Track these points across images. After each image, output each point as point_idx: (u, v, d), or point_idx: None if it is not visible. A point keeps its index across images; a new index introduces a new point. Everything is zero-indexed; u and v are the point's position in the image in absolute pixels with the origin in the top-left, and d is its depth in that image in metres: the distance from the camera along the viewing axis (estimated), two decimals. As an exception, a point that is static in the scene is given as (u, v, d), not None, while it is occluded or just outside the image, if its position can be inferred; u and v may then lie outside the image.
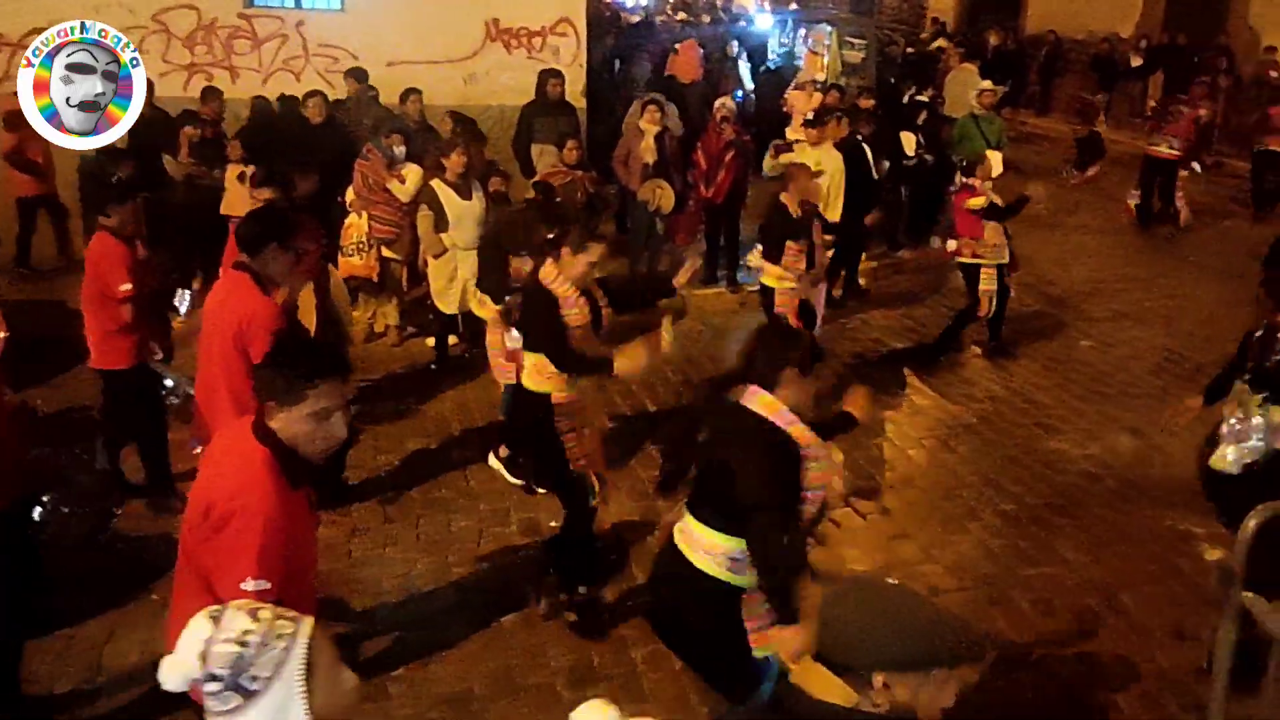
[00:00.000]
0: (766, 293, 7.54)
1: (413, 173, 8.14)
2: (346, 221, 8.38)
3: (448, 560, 5.63)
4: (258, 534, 2.79)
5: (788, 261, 7.27)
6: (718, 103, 10.20)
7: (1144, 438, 7.11)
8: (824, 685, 2.04)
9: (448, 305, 7.83)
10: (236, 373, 4.38)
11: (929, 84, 12.43)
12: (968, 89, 12.01)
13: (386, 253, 8.43)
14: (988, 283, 8.29)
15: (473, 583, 5.44)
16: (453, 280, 7.68)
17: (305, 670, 1.86)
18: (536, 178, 8.98)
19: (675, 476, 4.07)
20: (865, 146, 9.71)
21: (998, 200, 8.27)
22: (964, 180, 8.58)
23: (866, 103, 11.38)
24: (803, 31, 16.47)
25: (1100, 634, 5.09)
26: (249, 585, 2.75)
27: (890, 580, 2.12)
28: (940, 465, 6.85)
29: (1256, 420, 4.76)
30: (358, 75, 10.36)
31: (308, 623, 1.92)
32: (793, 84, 12.18)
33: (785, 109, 11.38)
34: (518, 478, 6.37)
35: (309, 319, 5.92)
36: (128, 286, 5.45)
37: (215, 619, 1.87)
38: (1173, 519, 6.10)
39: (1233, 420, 4.83)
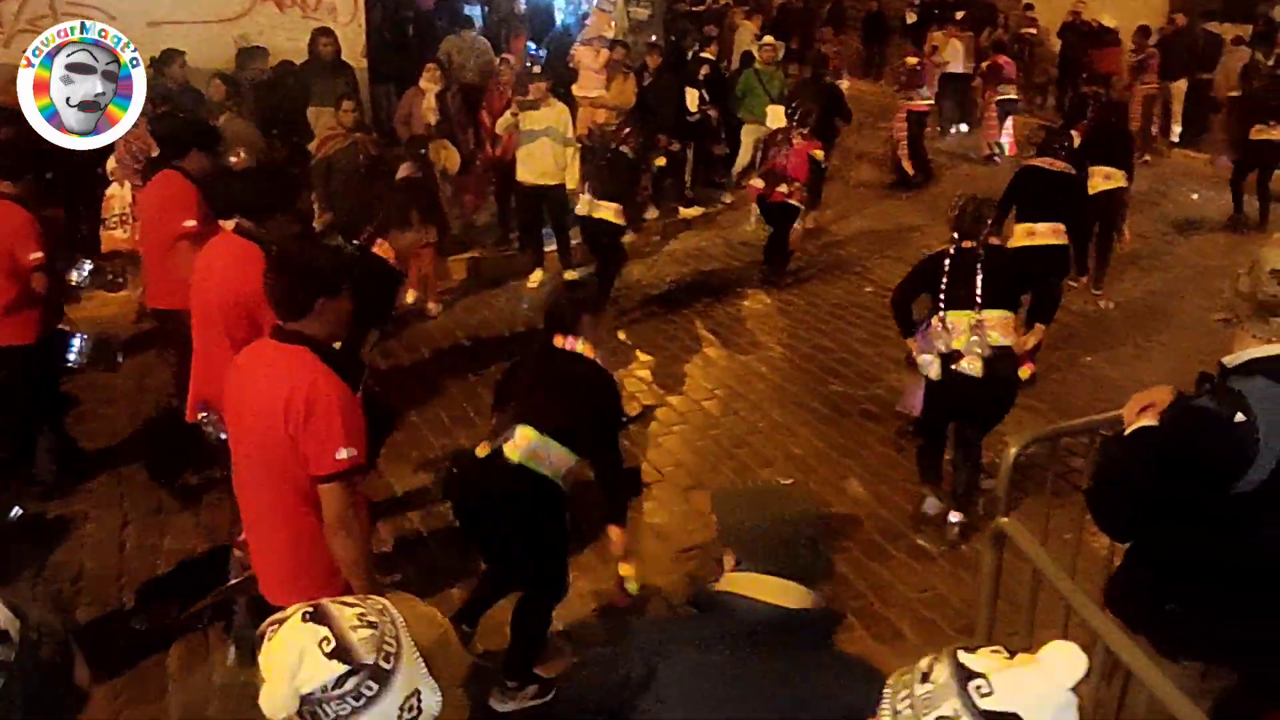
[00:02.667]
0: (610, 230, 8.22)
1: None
2: (108, 192, 7.80)
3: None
4: (339, 408, 3.07)
5: None
6: (499, 59, 10.03)
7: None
8: (754, 584, 2.15)
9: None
10: (241, 337, 4.14)
11: (712, 40, 12.56)
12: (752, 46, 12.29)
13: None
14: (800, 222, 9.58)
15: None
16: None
17: (409, 635, 1.74)
18: (315, 141, 8.66)
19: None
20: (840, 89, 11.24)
21: None
22: (800, 130, 9.18)
23: (654, 59, 11.43)
24: (590, -13, 16.37)
25: (885, 565, 5.35)
26: (343, 454, 3.04)
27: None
28: (732, 414, 7.00)
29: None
30: None
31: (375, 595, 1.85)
32: (579, 39, 12.07)
33: (572, 65, 11.27)
34: None
35: None
36: (38, 255, 5.24)
37: (316, 618, 1.67)
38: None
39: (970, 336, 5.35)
